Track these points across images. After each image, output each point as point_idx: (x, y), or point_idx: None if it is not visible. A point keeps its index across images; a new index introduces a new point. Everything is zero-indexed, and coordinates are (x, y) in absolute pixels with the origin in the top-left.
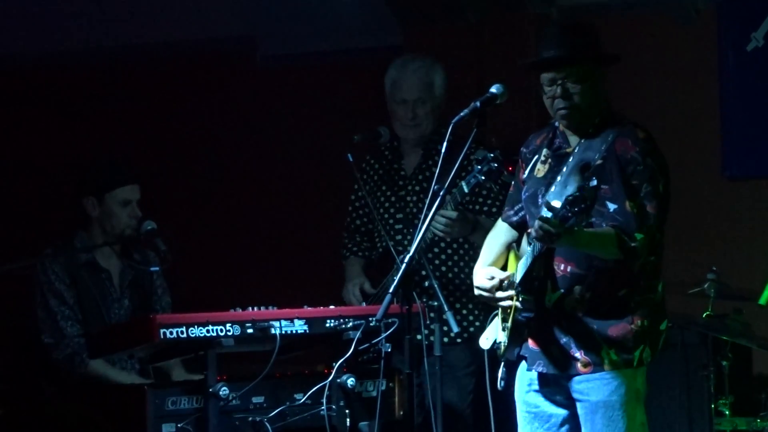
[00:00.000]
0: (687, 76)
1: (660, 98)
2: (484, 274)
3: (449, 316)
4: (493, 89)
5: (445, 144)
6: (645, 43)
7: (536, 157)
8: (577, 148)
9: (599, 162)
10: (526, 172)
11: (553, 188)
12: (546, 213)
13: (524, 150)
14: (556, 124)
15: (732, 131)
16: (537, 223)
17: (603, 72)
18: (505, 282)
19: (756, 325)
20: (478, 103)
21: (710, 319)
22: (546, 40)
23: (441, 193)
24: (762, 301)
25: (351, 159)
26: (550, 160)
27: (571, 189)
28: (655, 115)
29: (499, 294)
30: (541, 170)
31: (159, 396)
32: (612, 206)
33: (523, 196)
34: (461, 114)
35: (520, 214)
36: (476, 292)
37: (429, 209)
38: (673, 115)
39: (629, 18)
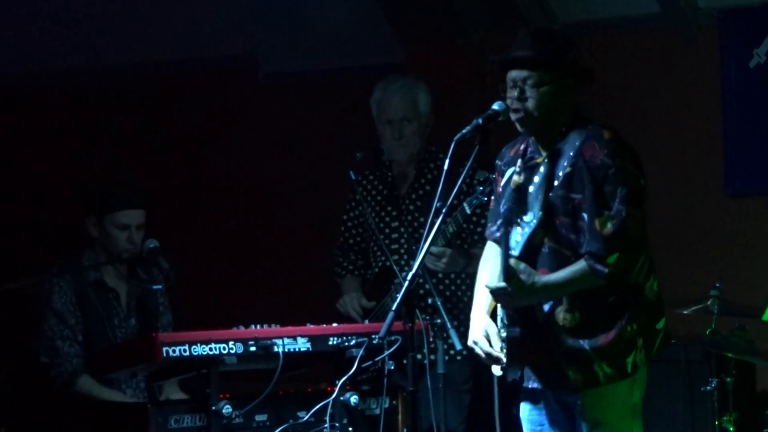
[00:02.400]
0: (689, 92)
1: (662, 115)
2: (480, 331)
3: (453, 333)
4: (495, 106)
5: (447, 161)
6: (647, 60)
7: (512, 168)
8: (546, 158)
9: (568, 170)
10: (502, 184)
11: (527, 200)
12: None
13: (499, 162)
14: None
15: (734, 147)
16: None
17: (571, 82)
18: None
19: (760, 342)
20: (480, 120)
21: (714, 335)
22: (516, 42)
23: (444, 210)
24: (765, 317)
25: (353, 176)
26: (522, 172)
27: (538, 204)
28: (658, 132)
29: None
30: (515, 182)
31: (162, 414)
32: (587, 216)
33: (501, 210)
34: (463, 131)
35: (503, 230)
36: (469, 343)
37: (431, 227)
38: (676, 132)
39: (631, 35)
